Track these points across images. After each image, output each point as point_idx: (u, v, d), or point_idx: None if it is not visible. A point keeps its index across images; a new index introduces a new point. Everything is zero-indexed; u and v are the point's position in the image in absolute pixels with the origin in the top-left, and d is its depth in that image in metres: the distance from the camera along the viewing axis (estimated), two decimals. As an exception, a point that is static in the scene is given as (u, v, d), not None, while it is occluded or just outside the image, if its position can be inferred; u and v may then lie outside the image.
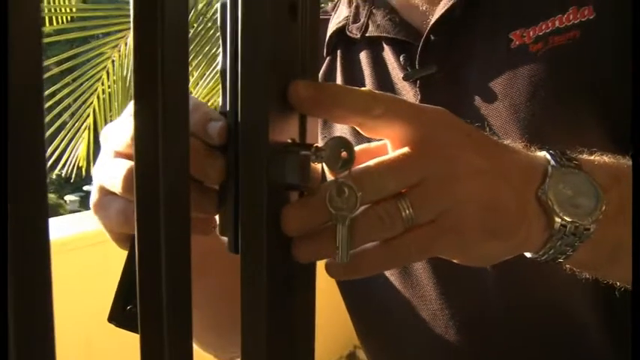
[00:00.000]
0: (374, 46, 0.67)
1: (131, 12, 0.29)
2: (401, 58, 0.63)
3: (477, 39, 0.60)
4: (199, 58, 3.54)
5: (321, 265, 0.39)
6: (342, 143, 0.34)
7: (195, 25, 3.60)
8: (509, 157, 0.39)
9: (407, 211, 0.35)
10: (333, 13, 0.73)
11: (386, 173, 0.35)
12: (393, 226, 0.35)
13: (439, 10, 0.61)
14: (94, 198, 0.43)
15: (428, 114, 0.37)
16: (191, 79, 3.66)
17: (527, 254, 0.42)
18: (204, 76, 3.59)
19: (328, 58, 0.70)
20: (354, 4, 0.69)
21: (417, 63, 0.62)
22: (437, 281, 0.62)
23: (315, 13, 0.35)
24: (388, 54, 0.65)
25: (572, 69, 0.55)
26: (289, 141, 0.35)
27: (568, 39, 0.55)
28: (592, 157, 0.43)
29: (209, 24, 3.53)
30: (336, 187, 0.34)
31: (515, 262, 0.42)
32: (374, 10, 0.67)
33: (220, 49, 0.36)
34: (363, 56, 0.67)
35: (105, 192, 0.42)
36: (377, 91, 0.36)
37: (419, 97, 0.61)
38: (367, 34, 0.67)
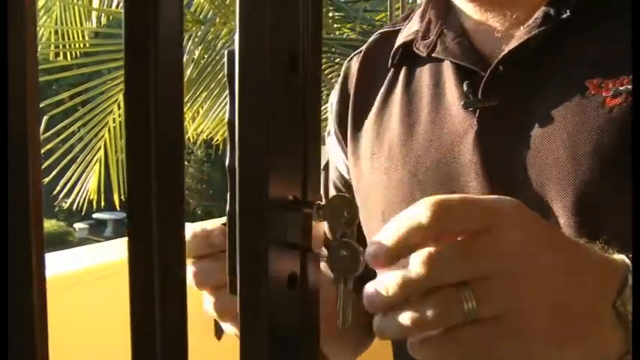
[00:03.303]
0: (439, 66, 0.63)
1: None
2: (464, 85, 0.59)
3: (549, 78, 0.55)
4: (212, 85, 3.58)
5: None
6: (345, 202, 0.32)
7: (206, 57, 3.66)
8: (584, 257, 0.37)
9: (470, 304, 0.34)
10: (405, 24, 0.69)
11: (457, 259, 0.34)
12: (451, 316, 0.34)
13: (515, 41, 0.56)
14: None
15: (504, 210, 0.36)
16: (200, 111, 3.70)
17: None
18: (214, 107, 3.63)
19: (392, 70, 0.67)
20: (426, 19, 0.65)
21: (480, 92, 0.57)
22: None
23: (316, 65, 0.33)
24: (450, 78, 0.61)
25: None
26: (290, 198, 0.33)
27: None
28: None
29: (218, 56, 3.58)
30: (338, 247, 0.33)
31: None
32: (445, 30, 0.63)
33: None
34: (426, 75, 0.64)
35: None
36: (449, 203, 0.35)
37: (475, 127, 0.57)
38: (433, 55, 0.63)
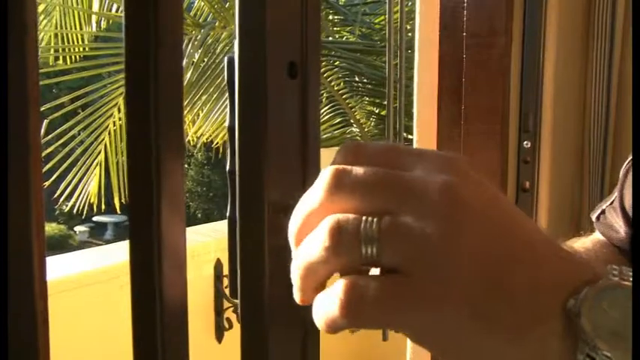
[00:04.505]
0: None
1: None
2: None
3: None
4: (212, 88, 3.59)
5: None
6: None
7: (206, 60, 3.66)
8: (538, 237, 0.28)
9: (370, 247, 0.25)
10: None
11: (363, 177, 0.26)
12: (343, 250, 0.25)
13: None
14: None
15: (440, 156, 0.28)
16: (200, 114, 3.71)
17: None
18: (214, 110, 3.63)
19: None
20: None
21: None
22: None
23: (315, 71, 0.34)
24: None
25: None
26: (290, 202, 0.34)
27: None
28: None
29: (217, 59, 3.59)
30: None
31: None
32: None
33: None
34: None
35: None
36: None
37: None
38: None
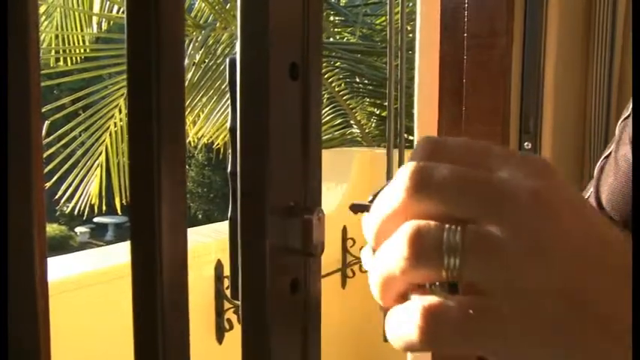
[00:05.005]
0: None
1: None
2: None
3: None
4: (213, 89, 3.60)
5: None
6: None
7: (207, 61, 3.67)
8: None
9: (454, 238, 0.23)
10: None
11: (449, 179, 0.24)
12: (423, 262, 0.23)
13: None
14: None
15: (529, 159, 0.26)
16: (201, 115, 3.71)
17: None
18: (214, 111, 3.63)
19: None
20: None
21: None
22: None
23: (317, 72, 0.34)
24: None
25: None
26: (291, 204, 0.34)
27: None
28: None
29: (218, 60, 3.60)
30: None
31: None
32: None
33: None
34: None
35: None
36: None
37: None
38: None
